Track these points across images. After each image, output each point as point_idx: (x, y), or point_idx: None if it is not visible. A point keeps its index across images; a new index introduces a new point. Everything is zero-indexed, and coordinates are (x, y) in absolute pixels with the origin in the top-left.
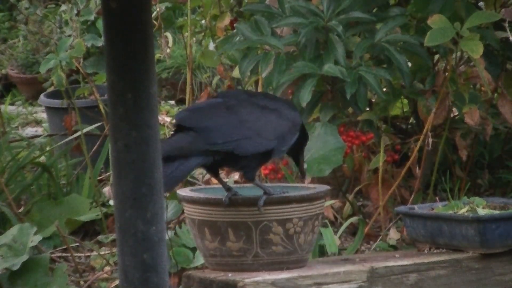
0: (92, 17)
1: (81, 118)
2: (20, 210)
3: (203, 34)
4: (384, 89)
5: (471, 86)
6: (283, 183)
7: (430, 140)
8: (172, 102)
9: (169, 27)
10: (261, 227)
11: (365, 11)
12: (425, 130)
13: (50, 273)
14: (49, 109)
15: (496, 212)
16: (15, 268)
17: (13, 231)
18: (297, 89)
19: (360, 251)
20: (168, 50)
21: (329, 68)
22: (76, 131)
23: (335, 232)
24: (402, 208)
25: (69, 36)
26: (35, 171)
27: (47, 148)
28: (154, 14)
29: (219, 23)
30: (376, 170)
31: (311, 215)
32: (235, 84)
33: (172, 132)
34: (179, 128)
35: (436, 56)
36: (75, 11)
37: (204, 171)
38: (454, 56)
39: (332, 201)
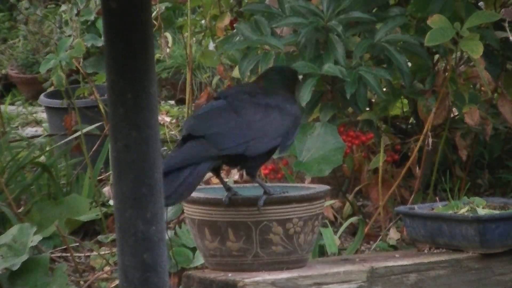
0: (92, 17)
1: (81, 118)
2: (20, 210)
3: (203, 34)
4: (384, 89)
5: (471, 86)
6: (283, 183)
7: (430, 140)
8: (172, 102)
9: (169, 27)
10: (261, 227)
11: (365, 11)
12: (425, 130)
13: (50, 273)
14: (49, 109)
15: (496, 212)
16: (15, 268)
17: (13, 231)
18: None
19: (360, 251)
20: (168, 50)
21: (329, 68)
22: (76, 131)
23: (335, 232)
24: (402, 208)
25: (69, 36)
26: (35, 171)
27: (47, 148)
28: (154, 14)
29: (219, 23)
30: (376, 170)
31: (311, 215)
32: (235, 84)
33: (180, 140)
34: (188, 135)
35: (436, 56)
36: (75, 11)
37: None
38: (454, 56)
39: (332, 201)
